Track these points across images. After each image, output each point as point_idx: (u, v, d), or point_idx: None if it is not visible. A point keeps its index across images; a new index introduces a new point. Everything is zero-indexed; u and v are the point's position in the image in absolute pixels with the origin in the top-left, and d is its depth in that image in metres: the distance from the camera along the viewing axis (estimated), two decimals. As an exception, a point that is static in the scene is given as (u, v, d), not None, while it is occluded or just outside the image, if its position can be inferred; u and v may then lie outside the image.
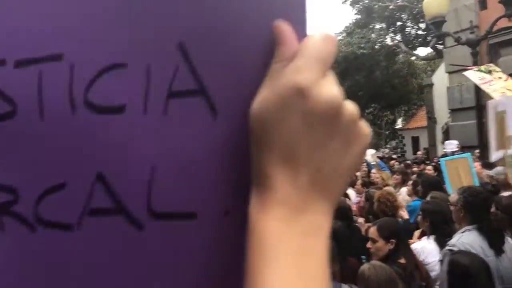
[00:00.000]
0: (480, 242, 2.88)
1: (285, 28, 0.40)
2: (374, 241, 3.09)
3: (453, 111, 13.05)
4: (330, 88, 0.38)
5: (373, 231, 3.19)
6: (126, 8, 0.41)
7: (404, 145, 29.09)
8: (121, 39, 0.41)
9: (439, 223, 3.50)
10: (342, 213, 4.43)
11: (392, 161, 11.59)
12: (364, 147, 0.41)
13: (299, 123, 0.37)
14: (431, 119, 21.88)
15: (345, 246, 3.54)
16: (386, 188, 5.95)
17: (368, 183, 7.07)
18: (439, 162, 9.07)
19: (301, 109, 0.37)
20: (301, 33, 0.41)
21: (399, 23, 24.61)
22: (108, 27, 0.40)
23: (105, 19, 0.40)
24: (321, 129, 0.38)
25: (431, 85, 22.05)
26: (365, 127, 0.41)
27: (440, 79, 17.47)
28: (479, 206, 3.01)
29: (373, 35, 23.47)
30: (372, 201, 5.10)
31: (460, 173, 4.65)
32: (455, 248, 2.83)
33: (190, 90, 0.41)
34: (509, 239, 3.07)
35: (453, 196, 3.21)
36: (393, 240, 3.02)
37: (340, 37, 26.95)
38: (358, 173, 8.99)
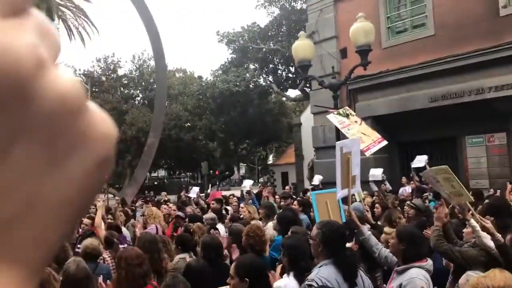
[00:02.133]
0: (336, 276, 2.94)
1: None
2: (232, 278, 2.99)
3: (317, 149, 13.98)
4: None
5: (232, 268, 3.09)
6: None
7: (274, 180, 30.31)
8: None
9: (297, 258, 3.53)
10: (212, 250, 4.32)
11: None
12: (104, 158, 0.23)
13: None
14: (299, 156, 23.26)
15: (201, 283, 3.39)
16: (255, 222, 5.97)
17: (237, 218, 7.05)
18: (304, 197, 9.54)
19: None
20: None
21: (271, 65, 26.02)
22: None
23: None
24: None
25: (299, 125, 23.56)
26: (105, 122, 0.23)
27: (307, 119, 18.71)
28: (337, 241, 3.09)
29: (247, 75, 24.43)
30: (235, 235, 5.06)
31: (329, 207, 4.81)
32: (313, 283, 2.85)
33: None
34: (361, 272, 3.20)
35: (313, 231, 3.26)
36: (247, 280, 2.93)
37: (216, 74, 27.62)
38: (229, 208, 9.02)
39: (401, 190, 10.39)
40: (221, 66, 27.20)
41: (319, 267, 3.04)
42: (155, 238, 4.78)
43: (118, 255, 3.50)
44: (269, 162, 35.90)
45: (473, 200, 5.77)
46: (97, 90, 32.69)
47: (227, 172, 34.38)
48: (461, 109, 10.50)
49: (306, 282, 2.92)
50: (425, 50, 10.99)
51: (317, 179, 11.47)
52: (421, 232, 3.69)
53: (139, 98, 34.96)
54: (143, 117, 27.54)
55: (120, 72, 34.54)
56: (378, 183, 9.83)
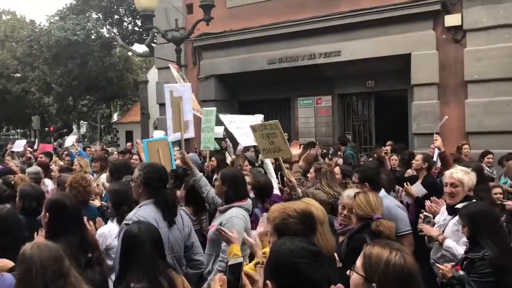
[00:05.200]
0: (155, 215, 2.97)
1: None
2: None
3: (161, 105, 13.75)
4: None
5: None
6: None
7: (118, 138, 29.15)
8: None
9: (120, 202, 3.49)
10: (33, 199, 4.02)
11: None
12: None
13: None
14: (145, 114, 22.67)
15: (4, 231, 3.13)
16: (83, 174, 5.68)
17: (66, 169, 6.61)
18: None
19: None
20: None
21: (116, 16, 24.38)
22: None
23: None
24: None
25: (145, 82, 22.83)
26: None
27: (154, 76, 18.18)
28: (157, 181, 3.11)
29: (88, 24, 22.49)
30: (63, 186, 4.76)
31: (160, 154, 4.78)
32: (130, 222, 2.83)
33: None
34: (182, 212, 3.30)
35: (135, 172, 3.22)
36: (47, 214, 2.93)
37: (52, 20, 24.85)
38: (59, 163, 8.38)
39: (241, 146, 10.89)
40: (58, 12, 24.55)
41: (139, 207, 3.04)
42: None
43: None
44: (113, 120, 34.27)
45: (291, 155, 6.38)
46: None
47: (65, 130, 31.81)
48: (295, 72, 11.31)
49: (124, 222, 2.90)
50: (266, 13, 11.42)
51: (160, 133, 11.31)
52: (243, 175, 3.91)
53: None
54: (-41, 63, 23.57)
55: None
56: (219, 140, 10.15)
